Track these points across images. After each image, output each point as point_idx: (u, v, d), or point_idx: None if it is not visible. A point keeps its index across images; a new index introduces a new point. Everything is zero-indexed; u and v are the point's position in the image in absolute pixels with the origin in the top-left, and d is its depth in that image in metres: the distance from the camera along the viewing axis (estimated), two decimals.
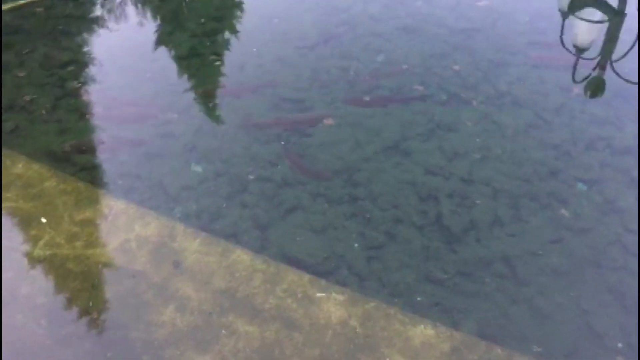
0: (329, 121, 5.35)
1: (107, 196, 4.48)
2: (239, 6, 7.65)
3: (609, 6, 5.48)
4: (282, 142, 5.13)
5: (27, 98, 5.70)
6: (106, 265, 3.86)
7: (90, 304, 3.63)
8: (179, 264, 3.82)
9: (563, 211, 4.42)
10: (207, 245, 3.98)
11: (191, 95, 5.91)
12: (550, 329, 3.67)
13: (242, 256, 3.90)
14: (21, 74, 6.08)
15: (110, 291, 3.70)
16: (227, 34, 7.02)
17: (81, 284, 3.75)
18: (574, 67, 5.81)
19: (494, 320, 3.73)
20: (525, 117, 5.30)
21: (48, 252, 3.90)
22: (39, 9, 7.33)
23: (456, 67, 5.85)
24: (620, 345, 3.56)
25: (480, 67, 5.93)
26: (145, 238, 4.01)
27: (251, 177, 4.81)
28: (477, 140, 5.08)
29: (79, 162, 4.95)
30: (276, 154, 5.03)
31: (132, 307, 3.60)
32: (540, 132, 5.14)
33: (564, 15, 6.27)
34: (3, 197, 4.39)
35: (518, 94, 5.59)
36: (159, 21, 7.52)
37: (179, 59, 6.57)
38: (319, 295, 3.55)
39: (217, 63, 6.38)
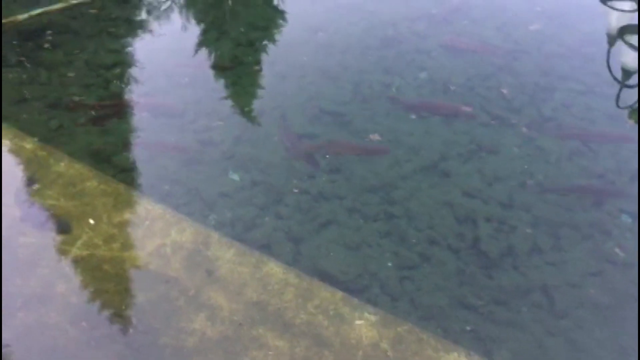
0: (375, 137, 5.31)
1: (145, 199, 4.51)
2: (283, 16, 7.68)
3: None
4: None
5: (76, 99, 5.80)
6: (141, 269, 3.87)
7: (123, 307, 3.65)
8: (212, 273, 3.82)
9: (606, 243, 4.29)
10: (240, 256, 3.97)
11: (231, 102, 5.94)
12: None
13: (275, 269, 3.87)
14: (70, 74, 6.19)
15: (143, 295, 3.71)
16: (270, 44, 7.05)
17: (115, 286, 3.77)
18: (619, 94, 5.66)
19: (528, 351, 3.63)
20: (570, 143, 5.17)
21: (85, 252, 3.94)
22: (92, 10, 7.47)
23: (504, 91, 5.75)
24: None
25: (525, 90, 5.82)
26: (180, 244, 4.02)
27: (295, 190, 4.79)
28: (519, 164, 4.98)
29: (119, 164, 5.02)
30: (314, 167, 5.01)
31: (163, 312, 3.60)
32: (585, 160, 5.01)
33: (612, 40, 6.14)
34: (45, 194, 4.46)
35: (563, 119, 5.46)
36: (203, 28, 7.60)
37: (222, 67, 6.62)
38: (357, 322, 3.50)
39: (257, 68, 6.41)
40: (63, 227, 4.18)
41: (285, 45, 7.00)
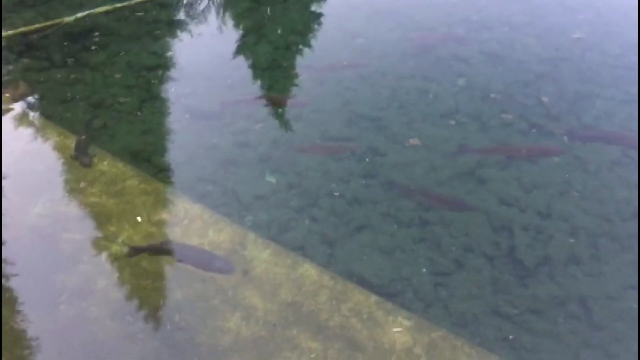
0: (415, 141, 5.31)
1: (183, 199, 4.60)
2: (322, 21, 7.73)
3: None
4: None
5: (121, 100, 5.95)
6: (178, 267, 3.96)
7: (161, 304, 3.73)
8: (247, 273, 3.88)
9: None
10: (276, 256, 4.02)
11: (269, 105, 6.00)
12: None
13: (310, 270, 3.92)
14: (117, 75, 6.35)
15: (180, 293, 3.79)
16: (308, 48, 7.10)
17: (153, 284, 3.87)
18: None
19: None
20: (610, 153, 5.08)
21: (126, 249, 4.05)
22: (139, 13, 7.65)
23: (544, 99, 5.68)
24: None
25: (565, 98, 5.74)
26: (217, 244, 4.10)
27: (336, 193, 4.82)
28: (558, 173, 4.91)
29: (158, 164, 5.13)
30: (349, 171, 5.04)
31: (200, 311, 3.68)
32: (626, 170, 4.91)
33: None
34: (89, 192, 4.60)
35: (605, 128, 5.38)
36: (241, 31, 7.70)
37: (261, 70, 6.71)
38: (395, 330, 3.51)
39: (296, 76, 6.47)
40: None
41: (324, 49, 7.04)
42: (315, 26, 7.65)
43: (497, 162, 5.03)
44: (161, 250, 4.12)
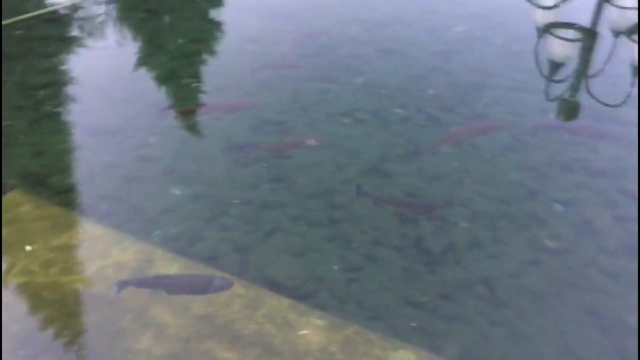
0: (311, 142, 5.35)
1: (83, 221, 4.41)
2: (219, 28, 7.67)
3: (583, 27, 5.61)
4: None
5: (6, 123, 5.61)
6: (82, 292, 3.78)
7: (65, 332, 3.55)
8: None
9: (541, 232, 4.46)
10: (186, 270, 3.93)
11: (170, 117, 5.88)
12: (531, 351, 3.68)
13: None
14: None
15: (86, 319, 3.62)
16: (206, 56, 7.02)
17: (56, 312, 3.67)
18: (547, 87, 5.90)
19: (475, 343, 3.73)
20: (502, 139, 5.36)
21: (23, 280, 3.82)
22: (18, 32, 7.25)
23: (431, 92, 5.91)
24: None
25: (458, 89, 6.00)
26: (122, 264, 3.95)
27: (236, 201, 4.78)
28: (456, 162, 5.12)
29: (54, 186, 4.88)
30: (256, 176, 5.02)
31: (108, 334, 3.53)
32: (517, 154, 5.20)
33: (539, 34, 6.39)
34: None
35: (495, 116, 5.66)
36: (138, 42, 7.50)
37: (158, 81, 6.55)
38: (301, 332, 3.51)
39: (195, 85, 6.36)
40: None
41: (222, 56, 6.98)
42: (213, 33, 7.57)
43: (399, 156, 5.18)
44: (150, 285, 3.89)
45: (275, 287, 4.02)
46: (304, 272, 4.21)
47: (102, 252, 4.06)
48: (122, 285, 3.85)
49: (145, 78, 6.60)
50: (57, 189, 4.88)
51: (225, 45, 7.23)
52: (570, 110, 5.71)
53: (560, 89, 5.78)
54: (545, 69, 5.57)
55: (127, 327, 3.56)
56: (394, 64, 6.47)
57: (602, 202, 4.69)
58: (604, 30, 5.70)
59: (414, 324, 3.81)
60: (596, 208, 4.64)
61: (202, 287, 3.89)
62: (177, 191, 4.91)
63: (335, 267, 4.25)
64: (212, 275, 3.97)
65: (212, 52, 7.10)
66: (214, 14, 8.10)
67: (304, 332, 3.50)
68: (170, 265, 3.96)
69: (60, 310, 3.70)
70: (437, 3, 7.88)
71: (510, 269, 4.20)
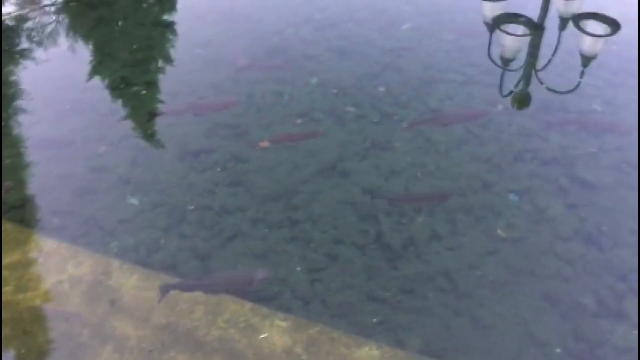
0: (264, 143, 5.34)
1: (37, 236, 4.30)
2: (171, 33, 7.57)
3: (531, 21, 5.73)
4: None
5: None
6: (38, 309, 3.68)
7: (22, 351, 3.45)
8: (115, 302, 3.69)
9: (497, 223, 4.55)
10: (144, 280, 3.87)
11: (123, 126, 5.78)
12: (492, 339, 3.75)
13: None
14: None
15: (43, 336, 3.53)
16: (158, 62, 6.93)
17: (12, 331, 3.56)
18: (501, 80, 6.02)
19: (437, 335, 3.78)
20: (456, 132, 5.45)
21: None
22: None
23: (381, 89, 5.97)
24: (558, 350, 3.67)
25: (410, 85, 6.08)
26: (78, 278, 3.86)
27: (190, 207, 4.73)
28: (412, 157, 5.18)
29: (6, 202, 4.74)
30: (213, 182, 4.98)
31: (67, 350, 3.45)
32: (471, 146, 5.28)
33: (490, 29, 6.52)
34: None
35: (448, 109, 5.75)
36: (88, 51, 7.34)
37: (110, 89, 6.43)
38: (261, 336, 3.49)
39: (144, 92, 6.27)
40: None
41: (174, 62, 6.90)
42: (165, 39, 7.48)
43: (356, 154, 5.21)
44: (194, 287, 3.93)
45: (237, 292, 4.00)
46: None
47: (57, 267, 3.96)
48: (165, 289, 3.85)
49: (97, 87, 6.47)
50: (8, 204, 4.74)
51: (177, 50, 7.15)
52: (522, 100, 5.84)
53: (512, 81, 5.89)
54: (497, 62, 5.67)
55: (87, 342, 3.49)
56: (347, 63, 6.51)
57: (554, 191, 4.81)
58: (552, 21, 5.83)
59: (376, 320, 3.84)
60: (549, 196, 4.75)
61: (246, 281, 4.03)
62: (133, 200, 4.83)
63: (298, 268, 4.24)
64: (252, 268, 4.13)
65: (164, 58, 7.01)
66: (165, 19, 7.99)
67: (263, 335, 3.48)
68: (128, 277, 3.89)
69: (17, 329, 3.59)
70: (386, 1, 7.96)
71: (470, 260, 4.27)
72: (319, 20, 7.36)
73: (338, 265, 4.28)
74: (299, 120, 5.65)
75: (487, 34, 5.89)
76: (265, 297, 3.99)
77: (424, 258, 4.31)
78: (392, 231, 4.51)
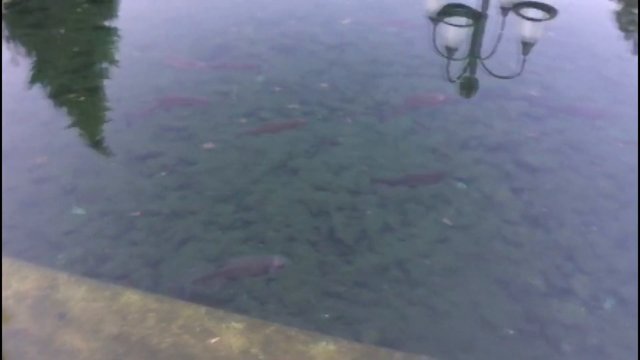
0: (208, 145, 5.28)
1: None
2: (111, 37, 7.40)
3: (473, 11, 5.85)
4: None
5: None
6: None
7: None
8: (64, 316, 3.58)
9: (446, 211, 4.62)
10: (93, 292, 3.76)
11: (66, 134, 5.61)
12: (447, 325, 3.82)
13: (132, 297, 3.72)
14: None
15: None
16: (99, 67, 6.76)
17: None
18: (447, 69, 6.12)
19: (393, 325, 3.82)
20: (403, 124, 5.51)
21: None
22: None
23: (324, 85, 5.99)
24: (511, 332, 3.76)
25: (356, 80, 6.11)
26: (24, 293, 3.73)
27: (135, 213, 4.64)
28: (360, 151, 5.21)
29: None
30: (162, 186, 4.89)
31: None
32: (419, 137, 5.36)
33: (434, 22, 6.62)
34: None
35: (394, 102, 5.81)
36: (25, 59, 7.10)
37: (50, 97, 6.24)
38: (212, 340, 3.44)
39: (81, 99, 6.10)
40: None
41: (118, 66, 6.75)
42: (105, 43, 7.30)
43: (305, 151, 5.21)
44: (222, 274, 4.19)
45: (192, 296, 3.95)
46: (220, 278, 4.16)
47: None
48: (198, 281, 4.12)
49: (36, 96, 6.26)
50: None
51: (118, 54, 6.99)
52: (470, 87, 5.94)
53: (457, 69, 5.99)
54: (442, 52, 5.77)
55: (36, 358, 3.37)
56: (292, 60, 6.50)
57: (500, 176, 4.93)
58: (493, 9, 5.95)
59: (334, 315, 3.85)
60: (495, 182, 4.86)
61: (262, 269, 4.22)
62: (79, 210, 4.70)
63: None
64: (268, 256, 4.29)
65: (105, 63, 6.84)
66: (104, 22, 7.80)
67: (214, 340, 3.44)
68: (77, 289, 3.77)
69: None
70: None
71: (422, 249, 4.33)
72: (261, 18, 7.32)
73: (293, 263, 4.27)
74: (244, 120, 5.61)
75: (430, 25, 5.98)
76: (221, 299, 3.96)
77: (377, 250, 4.35)
78: (344, 226, 4.53)
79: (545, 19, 5.89)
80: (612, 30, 7.55)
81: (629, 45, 7.16)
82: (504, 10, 6.26)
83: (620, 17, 7.87)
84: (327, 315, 3.85)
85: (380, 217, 4.59)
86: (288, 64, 6.41)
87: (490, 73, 5.29)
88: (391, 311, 3.92)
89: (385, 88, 5.98)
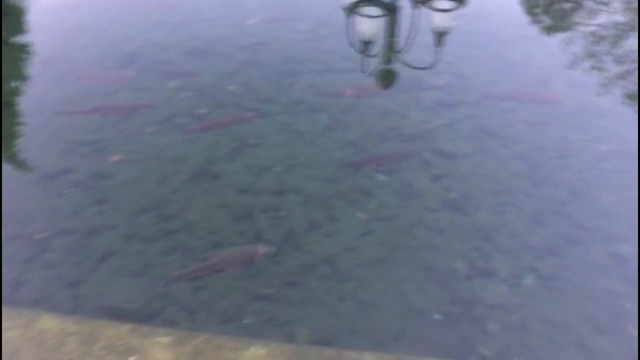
0: (115, 157, 5.11)
1: None
2: (19, 51, 7.02)
3: (384, 3, 5.90)
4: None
5: None
6: None
7: None
8: None
9: (370, 203, 4.67)
10: (7, 320, 3.55)
11: None
12: (377, 316, 3.85)
13: (50, 322, 3.54)
14: None
15: None
16: (10, 82, 6.41)
17: None
18: (362, 63, 6.13)
19: (325, 322, 3.82)
20: (321, 120, 5.53)
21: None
22: None
23: (231, 87, 5.94)
24: (437, 316, 3.85)
25: (271, 79, 6.08)
26: None
27: (40, 236, 4.42)
28: (280, 151, 5.19)
29: None
30: (76, 203, 4.69)
31: None
32: (337, 132, 5.39)
33: (347, 14, 6.61)
34: None
35: (311, 99, 5.82)
36: None
37: None
38: (130, 359, 3.33)
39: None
40: None
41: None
42: (13, 57, 6.91)
43: (226, 155, 5.13)
44: (203, 271, 4.19)
45: (115, 315, 3.81)
46: (146, 292, 4.03)
47: None
48: (173, 281, 4.10)
49: None
50: None
51: (26, 68, 6.65)
52: (388, 79, 5.99)
53: (374, 63, 6.02)
54: (356, 46, 5.77)
55: None
56: (205, 64, 6.39)
57: (419, 165, 5.03)
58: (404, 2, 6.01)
59: (265, 318, 3.81)
60: (414, 171, 4.96)
61: (248, 258, 4.26)
62: None
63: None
64: (253, 244, 4.35)
65: (15, 78, 6.49)
66: (11, 37, 7.39)
67: (132, 358, 3.33)
68: None
69: None
70: None
71: (348, 244, 4.35)
72: (170, 23, 7.15)
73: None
74: (154, 128, 5.46)
75: (344, 19, 5.98)
76: (147, 315, 3.84)
77: (304, 248, 4.34)
78: (270, 227, 4.49)
79: (455, 9, 6.03)
80: (517, 14, 7.88)
81: (533, 29, 7.48)
82: (414, 2, 6.36)
83: (526, 1, 8.25)
84: (257, 319, 3.80)
85: (305, 215, 4.59)
86: (201, 67, 6.29)
87: (406, 64, 5.35)
88: (322, 308, 3.92)
89: (300, 86, 5.98)
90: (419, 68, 5.74)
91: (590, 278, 4.11)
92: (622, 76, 6.30)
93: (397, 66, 6.02)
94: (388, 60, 6.17)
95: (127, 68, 6.38)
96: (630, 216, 4.57)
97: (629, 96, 5.99)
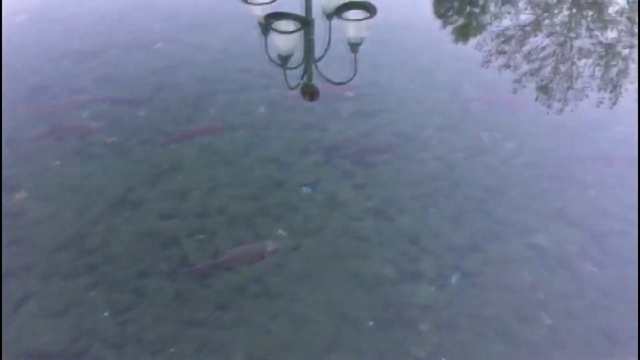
0: (21, 195, 4.91)
1: None
2: None
3: (298, 16, 5.94)
4: None
5: None
6: None
7: None
8: None
9: (295, 217, 4.70)
10: None
11: None
12: (310, 330, 3.87)
13: None
14: None
15: None
16: None
17: None
18: (285, 78, 6.14)
19: (259, 342, 3.81)
20: (241, 138, 5.51)
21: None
22: None
23: (141, 113, 5.89)
24: (370, 323, 3.91)
25: (188, 101, 6.02)
26: None
27: None
28: (202, 173, 5.13)
29: None
30: None
31: None
32: (258, 149, 5.38)
33: (264, 31, 6.63)
34: None
35: (229, 118, 5.79)
36: None
37: None
38: None
39: None
40: None
41: None
42: None
43: (145, 181, 5.02)
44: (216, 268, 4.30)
45: (39, 359, 3.64)
46: (70, 331, 3.88)
47: None
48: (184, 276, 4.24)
49: None
50: None
51: None
52: (312, 92, 6.00)
53: (295, 77, 6.05)
54: (277, 61, 5.78)
55: None
56: (118, 89, 6.22)
57: (341, 175, 5.10)
58: (317, 15, 6.07)
59: (198, 344, 3.75)
60: (337, 182, 5.03)
61: (258, 255, 4.38)
62: None
63: (106, 314, 3.97)
64: (262, 241, 4.47)
65: None
66: None
67: None
68: None
69: None
70: (140, 21, 7.77)
71: (276, 260, 4.35)
72: (78, 50, 6.94)
73: (148, 299, 4.09)
74: (58, 163, 5.30)
75: (256, 38, 5.99)
76: (73, 354, 3.70)
77: (233, 269, 4.30)
78: (197, 250, 4.43)
79: (366, 18, 6.16)
80: (425, 21, 8.17)
81: (441, 34, 7.76)
82: (328, 15, 6.45)
83: (435, 7, 8.59)
84: (190, 346, 3.73)
85: (232, 235, 4.55)
86: (114, 94, 6.13)
87: (326, 79, 5.44)
88: (255, 328, 3.89)
89: (219, 105, 5.95)
90: (339, 83, 5.83)
91: (510, 270, 4.30)
92: (531, 73, 6.67)
93: (315, 79, 6.09)
94: (310, 73, 6.22)
95: (35, 100, 6.11)
96: (541, 208, 4.83)
97: (539, 89, 6.34)
